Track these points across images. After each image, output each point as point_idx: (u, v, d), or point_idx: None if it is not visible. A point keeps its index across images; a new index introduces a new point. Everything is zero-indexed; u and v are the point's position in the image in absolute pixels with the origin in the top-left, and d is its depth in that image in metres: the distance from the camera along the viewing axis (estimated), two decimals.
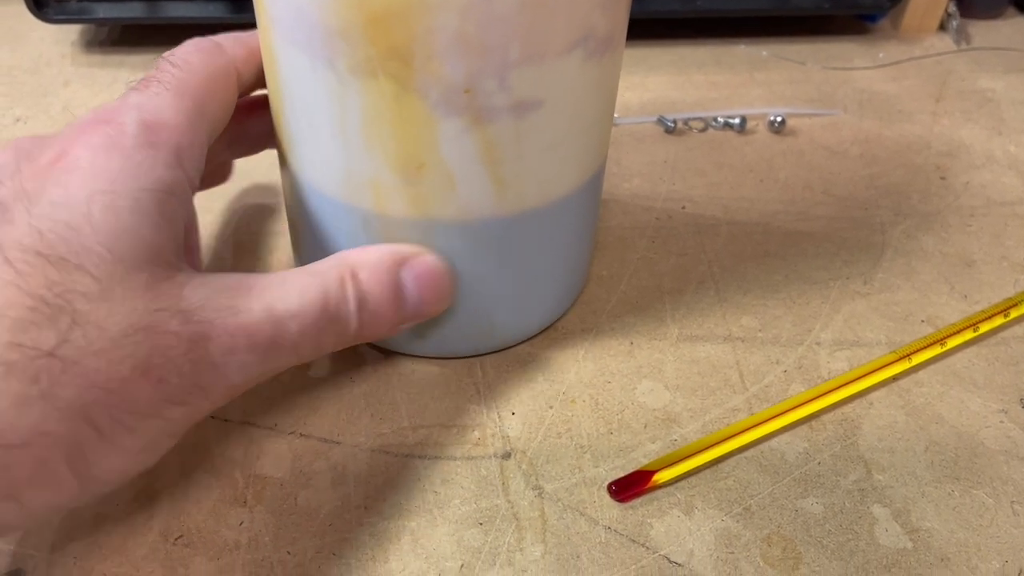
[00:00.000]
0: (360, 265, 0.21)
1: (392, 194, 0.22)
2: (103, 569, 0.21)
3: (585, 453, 0.25)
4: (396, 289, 0.22)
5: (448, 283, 0.23)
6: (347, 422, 0.25)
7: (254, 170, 0.33)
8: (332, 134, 0.21)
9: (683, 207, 0.33)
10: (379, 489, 0.23)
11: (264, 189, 0.33)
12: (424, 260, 0.22)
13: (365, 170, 0.22)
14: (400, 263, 0.22)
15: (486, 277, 0.24)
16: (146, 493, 0.23)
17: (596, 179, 0.25)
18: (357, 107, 0.20)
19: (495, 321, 0.26)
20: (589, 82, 0.22)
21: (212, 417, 0.25)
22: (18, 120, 0.35)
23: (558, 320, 0.28)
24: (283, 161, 0.24)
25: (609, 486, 0.24)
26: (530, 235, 0.24)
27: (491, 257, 0.24)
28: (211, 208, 0.31)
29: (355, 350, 0.27)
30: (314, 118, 0.21)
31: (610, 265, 0.31)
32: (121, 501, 0.23)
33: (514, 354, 0.27)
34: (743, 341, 0.28)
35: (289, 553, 0.22)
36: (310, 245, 0.25)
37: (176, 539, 0.22)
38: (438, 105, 0.20)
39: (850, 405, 0.26)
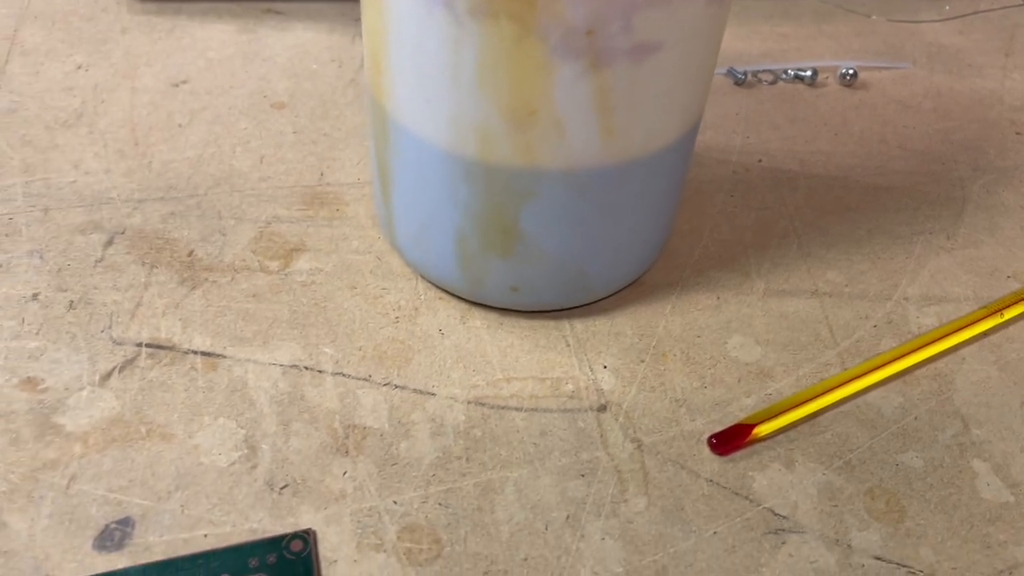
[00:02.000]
0: None
1: (499, 141, 0.22)
2: (211, 517, 0.21)
3: (681, 407, 0.25)
4: None
5: None
6: (440, 374, 0.25)
7: (332, 118, 0.32)
8: (442, 79, 0.21)
9: (759, 160, 0.33)
10: (478, 440, 0.23)
11: (339, 140, 0.32)
12: None
13: (473, 117, 0.21)
14: None
15: (584, 227, 0.24)
16: (248, 443, 0.23)
17: (695, 129, 0.25)
18: (473, 51, 0.20)
19: (588, 272, 0.25)
20: (708, 25, 0.21)
21: (305, 368, 0.25)
22: (79, 67, 0.34)
23: (643, 274, 0.28)
24: (377, 107, 0.24)
25: (709, 440, 0.24)
26: (631, 185, 0.23)
27: (591, 207, 0.23)
28: (284, 157, 0.31)
29: (442, 303, 0.27)
30: (424, 62, 0.21)
31: (690, 219, 0.30)
32: (223, 450, 0.23)
33: (601, 308, 0.27)
34: (830, 296, 0.28)
35: (395, 503, 0.22)
36: (403, 196, 0.25)
37: (282, 488, 0.22)
38: (557, 48, 0.20)
39: (942, 360, 0.26)
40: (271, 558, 0.20)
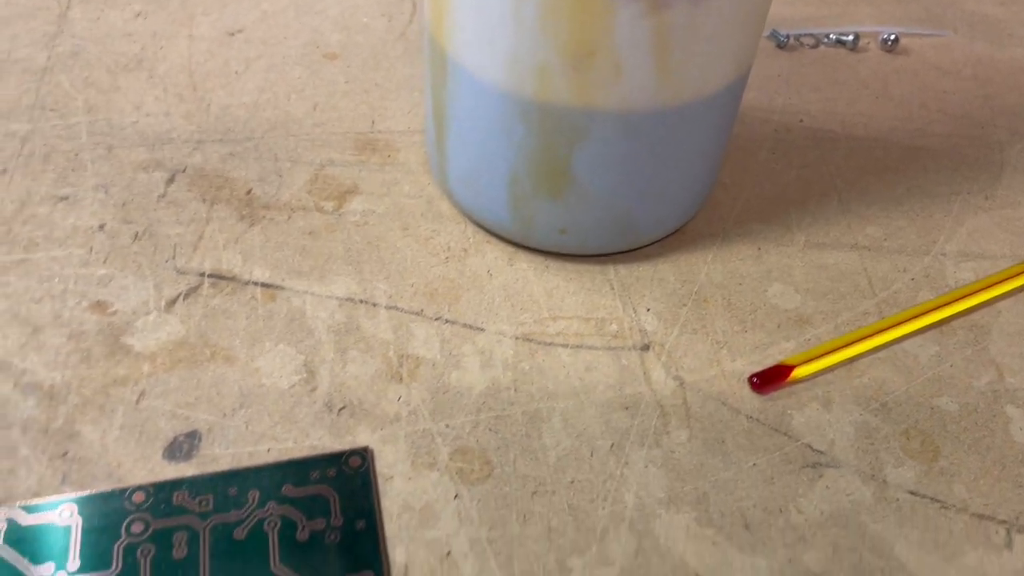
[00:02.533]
0: None
1: (557, 81, 0.22)
2: (273, 433, 0.22)
3: (722, 348, 0.25)
4: None
5: None
6: (488, 311, 0.26)
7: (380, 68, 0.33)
8: (504, 19, 0.22)
9: (800, 120, 0.33)
10: (526, 373, 0.24)
11: (390, 90, 0.33)
12: None
13: (534, 56, 0.22)
14: None
15: (633, 170, 0.25)
16: (307, 368, 0.24)
17: (745, 79, 0.25)
18: None
19: (635, 217, 0.26)
20: None
21: (360, 301, 0.26)
22: (138, 15, 0.35)
23: (685, 224, 0.29)
24: (436, 49, 0.25)
25: (750, 378, 0.24)
26: (681, 129, 0.24)
27: (641, 149, 0.24)
28: (336, 105, 0.32)
29: (490, 245, 0.27)
30: (486, 3, 0.22)
31: (733, 174, 0.31)
32: (284, 374, 0.24)
33: (644, 255, 0.28)
34: (869, 250, 0.28)
35: (447, 426, 0.23)
36: (458, 138, 0.26)
37: (340, 410, 0.23)
38: None
39: (979, 313, 0.27)
40: (331, 472, 0.21)
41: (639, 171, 0.25)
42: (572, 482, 0.22)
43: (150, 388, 0.23)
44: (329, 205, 0.28)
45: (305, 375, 0.24)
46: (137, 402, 0.23)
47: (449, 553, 0.21)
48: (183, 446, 0.22)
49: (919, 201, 0.30)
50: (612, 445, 0.23)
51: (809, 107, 0.34)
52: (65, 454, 0.22)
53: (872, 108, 0.34)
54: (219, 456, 0.22)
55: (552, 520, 0.21)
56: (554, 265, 0.27)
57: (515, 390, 0.24)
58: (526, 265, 0.27)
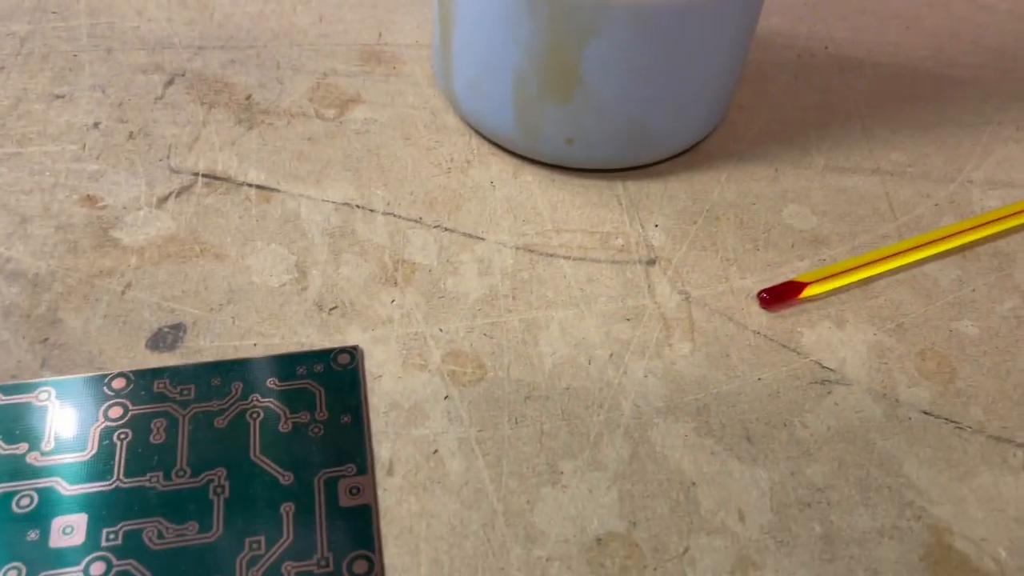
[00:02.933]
0: None
1: None
2: (260, 329, 0.22)
3: (731, 265, 0.24)
4: None
5: None
6: (490, 221, 0.25)
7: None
8: None
9: (825, 47, 0.32)
10: (525, 282, 0.23)
11: (399, 4, 0.32)
12: None
13: None
14: None
15: (645, 74, 0.23)
16: (299, 268, 0.23)
17: None
18: None
19: (646, 127, 0.25)
20: None
21: (357, 206, 0.25)
22: None
23: (699, 143, 0.28)
24: None
25: (760, 293, 0.23)
26: (700, 28, 0.23)
27: (654, 50, 0.23)
28: (343, 18, 0.31)
29: (494, 158, 0.26)
30: None
31: (751, 97, 0.30)
32: (275, 272, 0.23)
33: (655, 172, 0.27)
34: (892, 175, 0.27)
35: (441, 330, 0.22)
36: (464, 38, 0.25)
37: (331, 309, 0.22)
38: None
39: (1004, 240, 0.25)
40: (318, 367, 0.20)
41: (652, 75, 0.23)
42: (567, 388, 0.21)
43: (136, 280, 0.22)
44: (330, 113, 0.28)
45: (296, 275, 0.23)
46: (122, 293, 0.22)
47: (436, 451, 0.20)
48: (167, 337, 0.21)
49: (947, 129, 0.29)
50: (611, 355, 0.22)
51: (835, 34, 0.33)
52: (46, 340, 0.21)
53: (901, 38, 0.33)
54: (203, 348, 0.21)
55: (545, 424, 0.20)
56: (560, 179, 0.26)
57: (513, 298, 0.23)
58: (531, 178, 0.26)
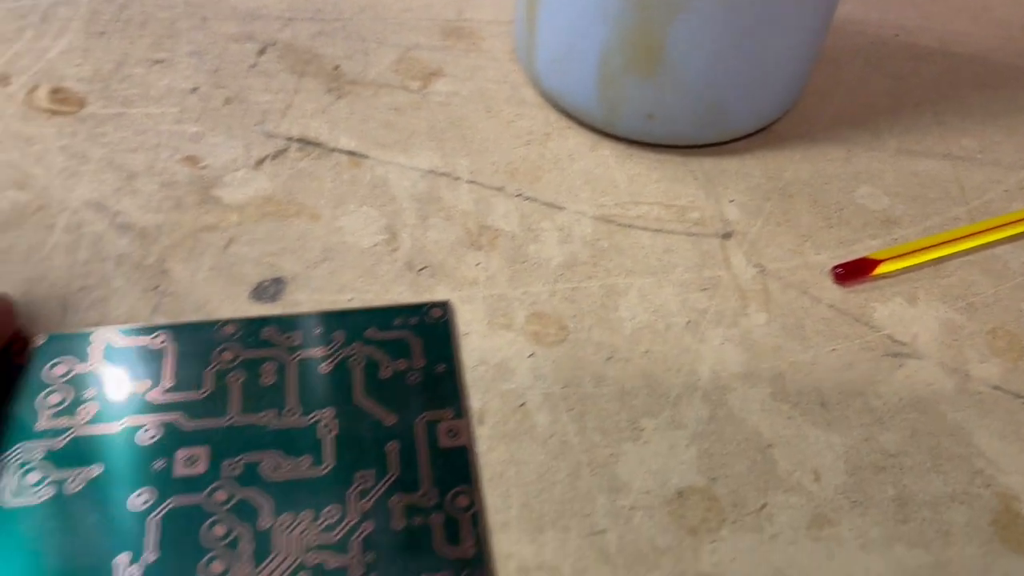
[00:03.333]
0: None
1: None
2: (355, 285, 0.23)
3: (806, 241, 0.25)
4: None
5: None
6: (568, 192, 0.26)
7: None
8: None
9: (896, 35, 0.32)
10: (604, 251, 0.24)
11: None
12: None
13: None
14: None
15: (730, 50, 0.24)
16: (389, 230, 0.24)
17: None
18: None
19: (725, 105, 0.26)
20: None
21: (442, 174, 0.26)
22: None
23: (773, 124, 0.28)
24: None
25: (834, 268, 0.24)
26: (783, 7, 0.23)
27: (741, 27, 0.24)
28: (430, 3, 0.32)
29: (572, 132, 0.27)
30: None
31: (824, 81, 0.30)
32: (367, 233, 0.24)
33: (729, 150, 0.27)
34: (963, 160, 0.28)
35: (524, 293, 0.23)
36: (550, 15, 0.25)
37: (420, 270, 0.23)
38: None
39: None
40: (413, 320, 0.22)
41: (735, 52, 0.24)
42: (647, 352, 0.22)
43: (238, 236, 0.24)
44: (414, 85, 0.29)
45: (387, 236, 0.24)
46: (226, 247, 0.23)
47: (523, 404, 0.21)
48: (269, 290, 0.22)
49: (1017, 118, 0.29)
50: (688, 322, 0.23)
51: (905, 23, 0.33)
52: (156, 287, 0.22)
53: (971, 27, 0.33)
54: (302, 302, 0.22)
55: (625, 384, 0.21)
56: (637, 154, 0.27)
57: (593, 265, 0.24)
58: (608, 152, 0.27)
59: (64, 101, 0.27)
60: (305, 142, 0.26)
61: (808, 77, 0.28)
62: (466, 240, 0.24)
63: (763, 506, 0.19)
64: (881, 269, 0.24)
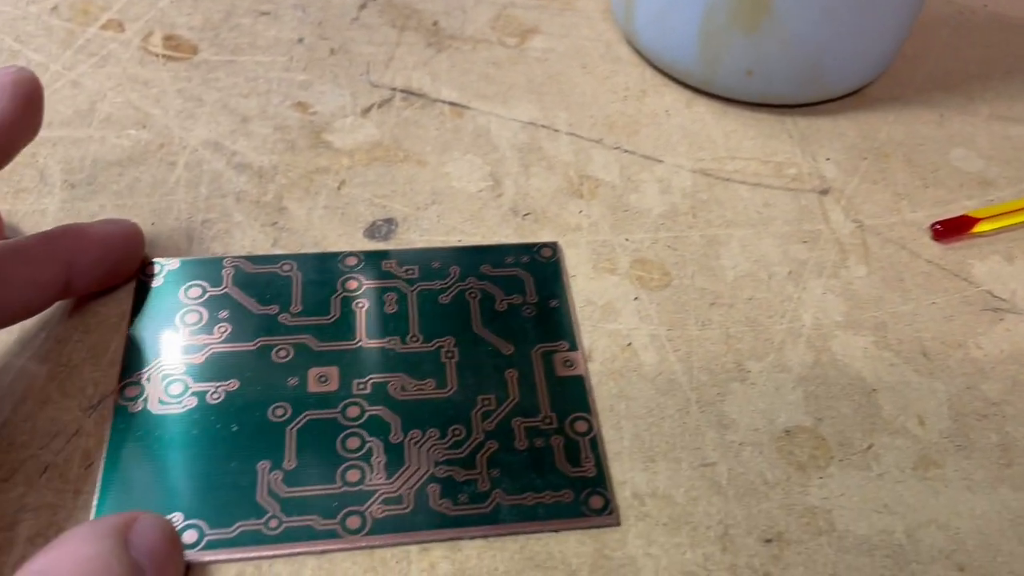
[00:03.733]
0: (79, 573, 0.14)
1: None
2: (463, 228, 0.23)
3: (902, 200, 0.25)
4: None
5: (178, 541, 0.16)
6: (667, 145, 0.26)
7: None
8: None
9: (984, 5, 0.32)
10: (703, 203, 0.25)
11: None
12: (145, 526, 0.16)
13: None
14: (121, 542, 0.15)
15: (836, 8, 0.24)
16: (493, 177, 0.25)
17: None
18: None
19: (824, 63, 0.26)
20: None
21: (541, 126, 0.26)
22: None
23: (866, 87, 0.28)
24: None
25: (933, 225, 0.24)
26: None
27: None
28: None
29: (667, 89, 0.28)
30: None
31: (914, 47, 0.30)
32: (472, 179, 0.25)
33: (823, 110, 0.28)
34: None
35: (627, 240, 0.24)
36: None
37: (524, 215, 0.24)
38: None
39: None
40: (524, 259, 0.22)
41: (838, 10, 0.24)
42: (750, 299, 0.23)
43: (350, 178, 0.24)
44: (511, 41, 0.29)
45: (491, 183, 0.25)
46: (338, 188, 0.24)
47: (630, 344, 0.21)
48: (381, 228, 0.23)
49: None
50: (790, 272, 0.23)
51: None
52: (275, 223, 0.23)
53: None
54: (414, 241, 0.23)
55: (730, 328, 0.22)
56: (732, 111, 0.27)
57: (693, 216, 0.24)
58: (704, 109, 0.27)
59: (177, 48, 0.28)
60: (409, 92, 0.27)
61: (903, 41, 0.28)
62: (567, 189, 0.25)
63: (869, 447, 0.20)
64: (979, 228, 0.24)
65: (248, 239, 0.23)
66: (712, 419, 0.20)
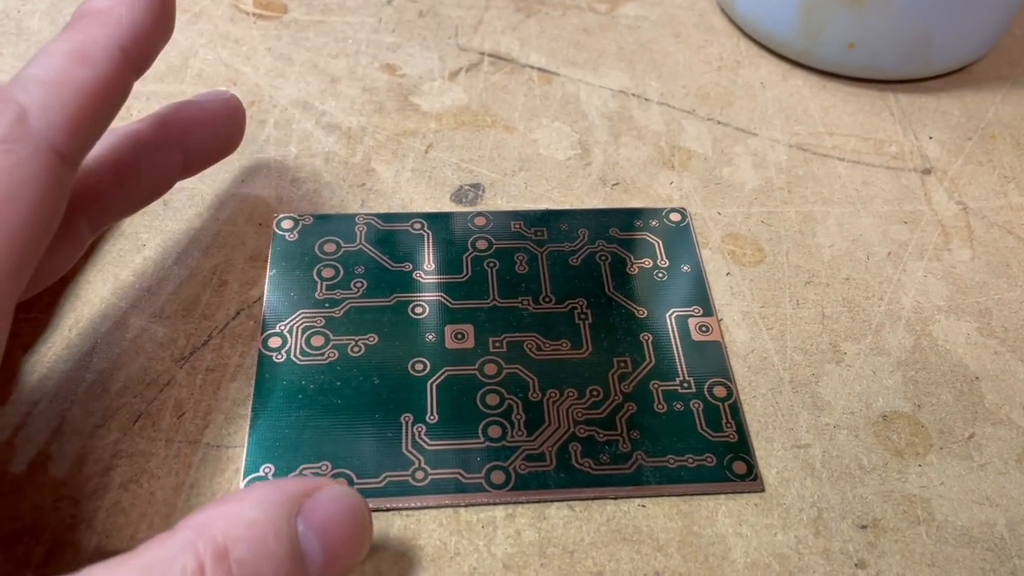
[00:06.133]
0: (232, 537, 0.13)
1: None
2: (551, 196, 0.23)
3: (1009, 183, 0.24)
4: (294, 558, 0.14)
5: (364, 519, 0.15)
6: (761, 118, 0.25)
7: None
8: None
9: None
10: (799, 178, 0.24)
11: None
12: (326, 497, 0.15)
13: None
14: (294, 512, 0.14)
15: None
16: (581, 145, 0.24)
17: None
18: None
19: (930, 37, 0.25)
20: None
21: (632, 95, 0.26)
22: None
23: (971, 64, 0.27)
24: None
25: None
26: None
27: None
28: None
29: (763, 60, 0.27)
30: None
31: (1022, 27, 0.29)
32: (560, 147, 0.24)
33: (926, 88, 0.27)
34: None
35: (719, 214, 0.23)
36: None
37: (613, 185, 0.23)
38: None
39: None
40: (653, 223, 0.22)
41: None
42: (847, 279, 0.22)
43: (437, 142, 0.24)
44: (602, 7, 0.28)
45: (580, 151, 0.24)
46: (426, 152, 0.24)
47: (721, 320, 0.21)
48: (468, 194, 0.23)
49: None
50: (889, 253, 0.22)
51: None
52: (363, 185, 0.23)
53: None
54: (502, 206, 0.23)
55: (826, 308, 0.21)
56: (831, 85, 0.26)
57: (788, 191, 0.24)
58: (801, 82, 0.27)
59: (267, 6, 0.28)
60: (497, 57, 0.27)
61: (1012, 19, 0.27)
62: (658, 159, 0.24)
63: (971, 436, 0.19)
64: None
65: (337, 199, 0.23)
66: (806, 400, 0.19)
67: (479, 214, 0.22)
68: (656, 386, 0.19)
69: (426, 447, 0.18)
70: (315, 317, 0.20)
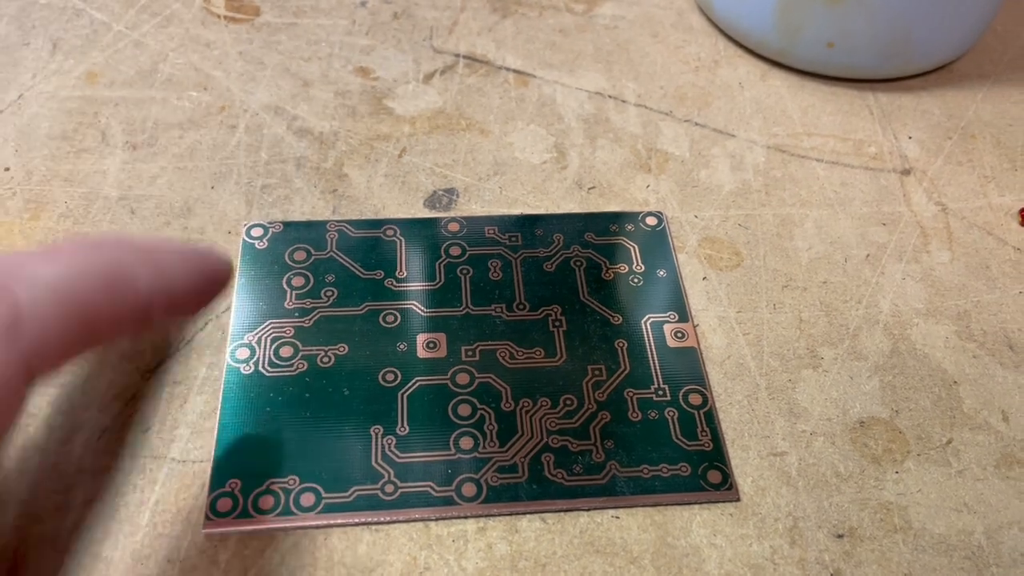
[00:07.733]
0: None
1: None
2: (526, 200, 0.23)
3: (989, 183, 0.24)
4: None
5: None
6: (739, 119, 0.25)
7: None
8: None
9: None
10: (777, 180, 0.24)
11: None
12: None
13: None
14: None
15: None
16: (557, 148, 0.24)
17: None
18: None
19: (910, 35, 0.25)
20: None
21: (609, 96, 0.25)
22: None
23: (951, 63, 0.27)
24: None
25: (1022, 210, 0.23)
26: None
27: None
28: None
29: (741, 60, 0.27)
30: None
31: (1004, 23, 0.29)
32: (536, 150, 0.24)
33: (906, 86, 0.26)
34: None
35: (696, 217, 0.23)
36: None
37: (589, 188, 0.23)
38: None
39: None
40: (629, 227, 0.22)
41: None
42: (825, 282, 0.22)
43: (411, 146, 0.24)
44: (579, 7, 0.28)
45: (556, 154, 0.24)
46: (399, 156, 0.24)
47: (697, 325, 0.21)
48: (442, 199, 0.23)
49: None
50: (868, 255, 0.22)
51: None
52: (335, 191, 0.23)
53: None
54: (476, 211, 0.22)
55: (803, 312, 0.21)
56: (809, 85, 0.26)
57: (766, 193, 0.23)
58: (779, 82, 0.26)
59: (239, 9, 0.27)
60: (472, 59, 0.26)
61: (992, 17, 0.27)
62: (635, 162, 0.24)
63: (949, 441, 0.19)
64: None
65: (308, 205, 0.22)
66: (783, 407, 0.19)
67: (453, 220, 0.22)
68: (631, 394, 0.19)
69: (396, 460, 0.17)
70: (284, 327, 0.19)
